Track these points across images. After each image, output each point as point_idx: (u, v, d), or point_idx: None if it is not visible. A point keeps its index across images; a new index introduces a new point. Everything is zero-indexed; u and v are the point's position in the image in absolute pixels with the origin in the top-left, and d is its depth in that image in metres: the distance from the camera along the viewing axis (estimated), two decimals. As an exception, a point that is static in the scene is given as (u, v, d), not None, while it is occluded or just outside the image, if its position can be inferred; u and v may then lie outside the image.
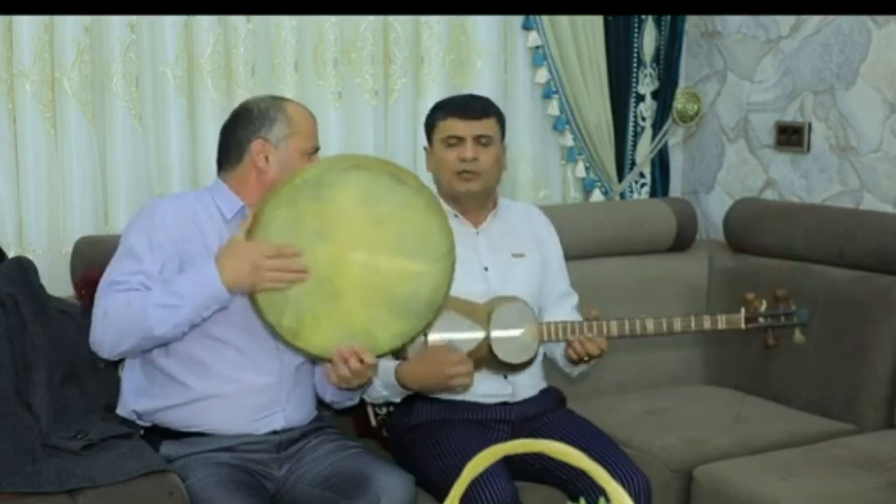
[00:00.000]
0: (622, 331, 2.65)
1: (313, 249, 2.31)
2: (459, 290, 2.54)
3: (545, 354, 2.81)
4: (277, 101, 2.52)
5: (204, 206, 2.46)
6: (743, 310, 2.70)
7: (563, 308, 2.81)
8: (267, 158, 2.43)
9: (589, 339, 2.60)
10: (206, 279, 2.29)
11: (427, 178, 2.78)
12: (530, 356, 2.62)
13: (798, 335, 2.70)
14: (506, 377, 2.69)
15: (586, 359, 2.63)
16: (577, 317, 2.78)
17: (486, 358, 2.58)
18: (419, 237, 2.38)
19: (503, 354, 2.57)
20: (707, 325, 2.66)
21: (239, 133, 2.46)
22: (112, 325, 2.31)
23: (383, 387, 2.59)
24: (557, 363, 2.80)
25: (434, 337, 2.54)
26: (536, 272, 2.79)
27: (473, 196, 2.73)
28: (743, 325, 2.68)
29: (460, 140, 2.68)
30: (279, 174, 2.42)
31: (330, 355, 2.36)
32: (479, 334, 2.57)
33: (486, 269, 2.72)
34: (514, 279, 2.71)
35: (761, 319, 2.69)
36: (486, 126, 2.70)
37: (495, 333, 2.57)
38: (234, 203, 2.45)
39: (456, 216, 2.73)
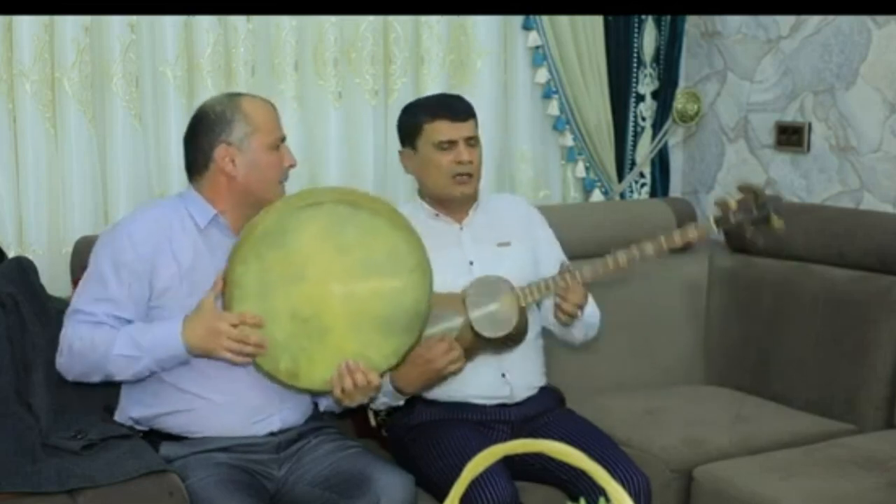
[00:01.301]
0: (596, 273, 2.61)
1: (290, 292, 2.34)
2: (447, 285, 2.55)
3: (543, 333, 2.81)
4: (232, 99, 2.49)
5: (178, 217, 2.45)
6: (711, 216, 2.64)
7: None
8: (233, 161, 2.41)
9: (566, 288, 2.56)
10: (168, 336, 2.31)
11: (404, 181, 2.77)
12: (513, 325, 2.57)
13: (776, 221, 2.60)
14: (503, 375, 2.69)
15: (579, 312, 2.59)
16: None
17: (474, 342, 2.57)
18: (387, 255, 2.40)
19: (488, 331, 2.56)
20: (678, 239, 2.60)
21: (201, 140, 2.44)
22: (77, 360, 2.36)
23: (383, 394, 2.59)
24: (555, 334, 2.79)
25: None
26: (525, 258, 2.78)
27: (467, 198, 2.73)
28: (715, 229, 2.62)
29: (453, 143, 2.67)
30: (248, 175, 2.42)
31: (332, 386, 2.38)
32: (459, 320, 2.57)
33: (471, 263, 2.72)
34: (501, 269, 2.69)
35: (732, 218, 2.61)
36: (472, 127, 2.71)
37: (474, 314, 2.56)
38: (207, 212, 2.44)
39: (437, 216, 2.73)
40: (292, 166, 2.49)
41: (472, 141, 2.69)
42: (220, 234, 2.44)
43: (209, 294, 2.33)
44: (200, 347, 2.31)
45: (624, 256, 2.63)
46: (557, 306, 2.59)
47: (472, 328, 2.56)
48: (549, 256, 2.82)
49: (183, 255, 2.41)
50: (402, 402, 2.64)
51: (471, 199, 2.77)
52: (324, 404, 2.60)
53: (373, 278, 2.38)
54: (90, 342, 2.32)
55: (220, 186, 2.44)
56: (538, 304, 2.74)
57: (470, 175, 2.68)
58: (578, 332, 2.75)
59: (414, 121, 2.73)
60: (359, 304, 2.37)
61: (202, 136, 2.44)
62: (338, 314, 2.37)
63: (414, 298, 2.41)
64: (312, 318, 2.35)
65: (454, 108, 2.72)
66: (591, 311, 2.74)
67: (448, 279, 2.57)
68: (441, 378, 2.55)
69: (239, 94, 2.56)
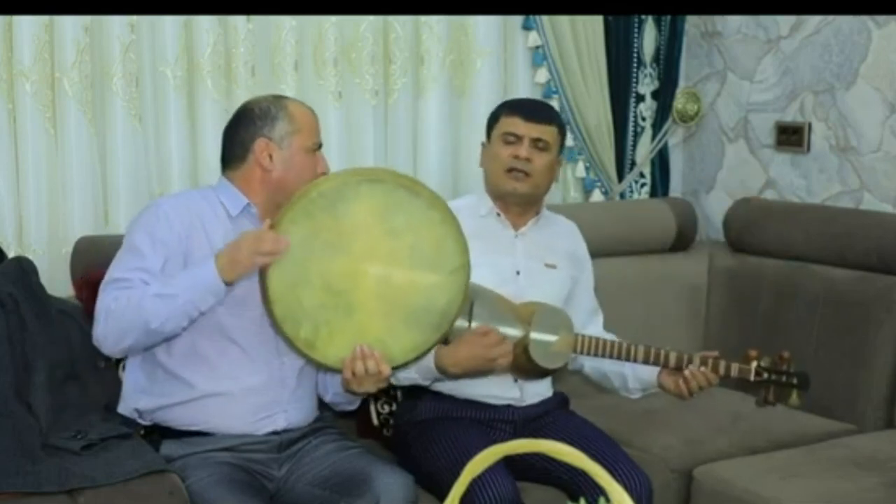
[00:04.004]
0: (647, 357, 2.66)
1: (329, 262, 2.32)
2: (491, 287, 2.59)
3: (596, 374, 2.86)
4: (279, 99, 2.53)
5: (209, 205, 2.46)
6: (753, 364, 2.69)
7: (592, 327, 2.84)
8: (271, 157, 2.44)
9: (703, 373, 2.62)
10: (202, 269, 2.30)
11: (479, 174, 2.82)
12: (560, 364, 2.64)
13: (794, 398, 2.71)
14: (515, 381, 2.69)
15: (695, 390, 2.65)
16: (605, 336, 2.81)
17: (517, 356, 2.58)
18: (433, 249, 2.38)
19: (537, 356, 2.58)
20: (721, 370, 2.66)
21: (242, 132, 2.46)
22: (113, 323, 2.31)
23: (416, 369, 2.56)
24: (611, 381, 2.83)
25: (477, 326, 2.55)
26: (564, 285, 2.79)
27: (519, 197, 2.72)
28: (752, 378, 2.69)
29: (518, 139, 2.69)
30: (284, 172, 2.43)
31: (344, 366, 2.37)
32: (519, 332, 2.58)
33: (518, 272, 2.73)
34: (543, 288, 2.71)
35: (766, 375, 2.70)
36: (546, 132, 2.70)
37: (534, 335, 2.58)
38: (240, 200, 2.46)
39: (498, 215, 2.75)
40: (324, 173, 2.49)
41: (541, 144, 2.69)
42: (250, 224, 2.44)
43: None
44: (227, 263, 2.28)
45: (674, 358, 2.66)
46: (686, 381, 2.63)
47: (525, 346, 2.57)
48: (581, 303, 2.85)
49: (215, 240, 2.41)
50: (427, 384, 2.62)
51: (525, 203, 2.75)
52: (330, 394, 2.59)
53: (414, 268, 2.37)
54: (126, 299, 2.30)
55: (254, 179, 2.45)
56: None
57: (526, 174, 2.68)
58: (645, 393, 2.85)
59: (496, 112, 2.79)
60: (393, 290, 2.36)
61: (243, 128, 2.46)
62: (369, 295, 2.35)
63: (448, 299, 2.39)
64: (344, 293, 2.34)
65: (532, 108, 2.77)
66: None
67: (493, 282, 2.59)
68: (487, 370, 2.54)
69: (285, 97, 2.60)
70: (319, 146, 2.51)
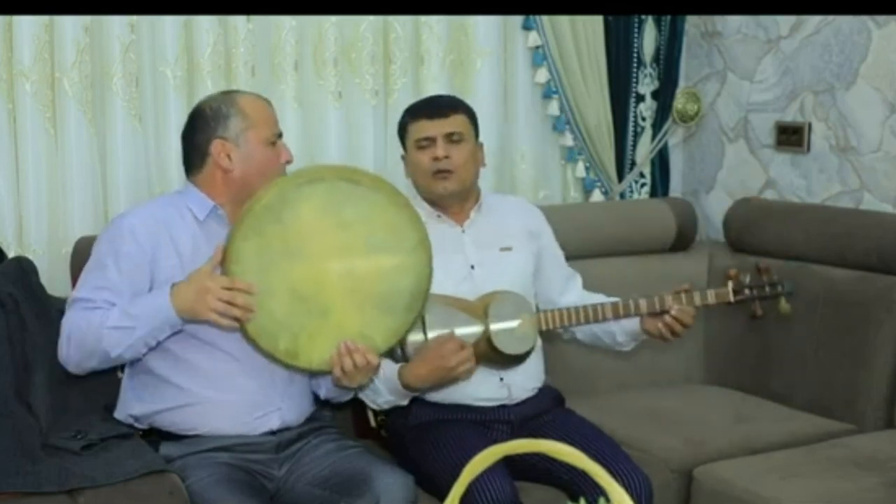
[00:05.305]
0: (616, 313, 2.66)
1: (289, 270, 2.32)
2: (447, 289, 2.57)
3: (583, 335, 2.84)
4: (229, 95, 2.52)
5: (177, 210, 2.46)
6: (730, 283, 2.71)
7: (572, 292, 2.84)
8: (229, 156, 2.43)
9: (679, 311, 2.62)
10: (159, 303, 2.30)
11: (405, 182, 2.80)
12: (530, 346, 2.62)
13: (784, 304, 2.71)
14: (501, 380, 2.69)
15: (679, 330, 2.65)
16: (587, 297, 2.80)
17: (485, 352, 2.57)
18: (388, 232, 2.38)
19: (503, 346, 2.57)
20: (697, 300, 2.67)
21: (198, 137, 2.46)
22: (75, 346, 2.33)
23: (389, 392, 2.57)
24: (603, 340, 2.81)
25: (433, 335, 2.54)
26: (526, 265, 2.78)
27: (452, 196, 2.72)
28: (731, 298, 2.70)
29: (431, 140, 2.68)
30: (245, 169, 2.43)
31: (332, 366, 2.38)
32: (478, 328, 2.57)
33: (472, 267, 2.71)
34: (502, 274, 2.70)
35: (747, 291, 2.71)
36: (455, 123, 2.70)
37: (494, 326, 2.57)
38: (206, 204, 2.46)
39: (439, 217, 2.73)
40: (289, 162, 2.50)
41: (455, 136, 2.68)
42: (218, 226, 2.45)
43: (207, 264, 2.31)
44: (188, 309, 2.27)
45: (645, 304, 2.67)
46: (668, 325, 2.63)
47: (488, 339, 2.57)
48: (553, 272, 2.84)
49: (183, 247, 2.42)
50: (406, 402, 2.63)
51: (460, 198, 2.75)
52: (324, 391, 2.59)
53: (373, 256, 2.37)
54: (86, 324, 2.31)
55: (217, 181, 2.45)
56: (555, 331, 2.78)
57: (449, 171, 2.67)
58: (635, 343, 2.82)
59: (402, 123, 2.77)
60: (358, 281, 2.36)
61: (198, 132, 2.46)
62: (337, 292, 2.35)
63: (415, 277, 2.40)
64: (312, 296, 2.34)
65: (433, 106, 2.75)
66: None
67: (449, 283, 2.58)
68: (451, 379, 2.54)
69: (235, 91, 2.59)
70: (279, 136, 2.50)
